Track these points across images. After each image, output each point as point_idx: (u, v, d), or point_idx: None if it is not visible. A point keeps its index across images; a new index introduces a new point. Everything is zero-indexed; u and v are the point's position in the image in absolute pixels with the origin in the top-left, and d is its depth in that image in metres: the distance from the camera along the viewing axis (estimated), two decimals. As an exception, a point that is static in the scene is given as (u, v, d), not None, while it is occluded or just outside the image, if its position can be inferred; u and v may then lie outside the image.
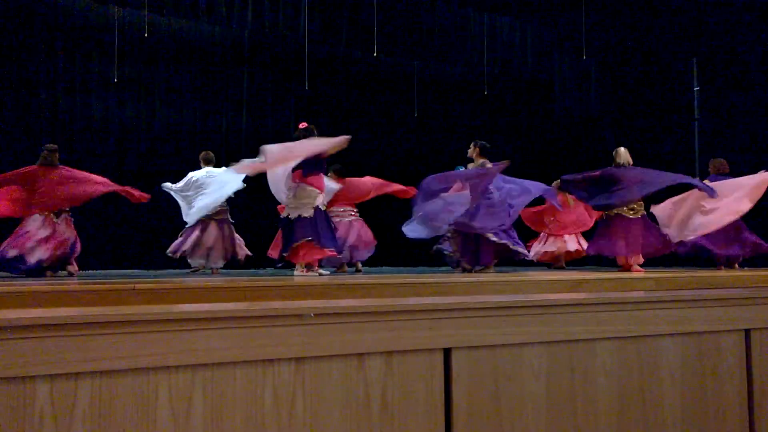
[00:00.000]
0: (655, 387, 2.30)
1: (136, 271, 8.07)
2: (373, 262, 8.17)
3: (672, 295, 2.54)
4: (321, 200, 5.86)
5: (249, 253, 7.06)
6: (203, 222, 6.85)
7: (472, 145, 6.96)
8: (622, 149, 7.04)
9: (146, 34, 8.98)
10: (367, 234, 7.38)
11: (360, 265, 7.41)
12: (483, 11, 11.42)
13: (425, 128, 11.28)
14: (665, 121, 10.99)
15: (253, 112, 10.30)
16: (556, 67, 12.29)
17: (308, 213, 5.68)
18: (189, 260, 6.95)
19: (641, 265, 6.75)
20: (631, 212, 6.79)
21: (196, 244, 6.82)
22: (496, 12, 11.53)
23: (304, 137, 5.80)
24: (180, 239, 6.89)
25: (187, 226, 6.91)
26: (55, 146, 6.27)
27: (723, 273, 6.46)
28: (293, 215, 5.72)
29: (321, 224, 5.75)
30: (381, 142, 10.88)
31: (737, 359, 2.46)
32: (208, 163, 7.06)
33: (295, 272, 5.69)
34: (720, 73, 10.45)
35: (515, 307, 2.10)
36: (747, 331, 2.49)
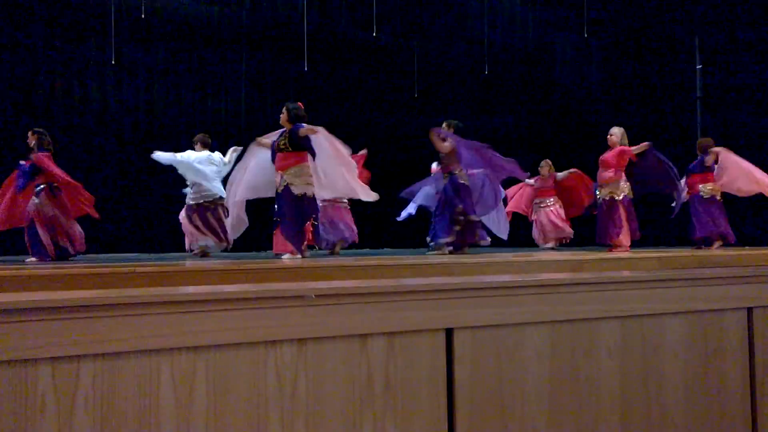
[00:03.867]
0: (657, 365, 2.30)
1: (136, 255, 8.08)
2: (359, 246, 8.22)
3: (675, 274, 2.54)
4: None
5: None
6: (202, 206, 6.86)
7: (445, 125, 7.08)
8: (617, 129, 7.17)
9: (143, 15, 8.91)
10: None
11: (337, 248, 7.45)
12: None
13: (425, 108, 11.24)
14: (667, 100, 10.95)
15: (251, 93, 10.26)
16: (557, 45, 12.21)
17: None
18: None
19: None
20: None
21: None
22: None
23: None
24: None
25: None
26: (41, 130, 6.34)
27: (725, 252, 6.48)
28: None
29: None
30: (381, 122, 10.84)
31: (739, 337, 2.46)
32: (204, 146, 6.99)
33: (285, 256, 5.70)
34: (722, 51, 10.38)
35: (518, 287, 2.10)
36: (749, 310, 2.49)
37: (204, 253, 6.91)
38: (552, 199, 8.81)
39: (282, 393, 1.75)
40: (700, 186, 7.58)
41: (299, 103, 6.05)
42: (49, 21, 9.00)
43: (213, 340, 1.67)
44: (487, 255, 6.05)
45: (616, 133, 7.10)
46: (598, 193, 7.24)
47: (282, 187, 5.76)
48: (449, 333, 1.98)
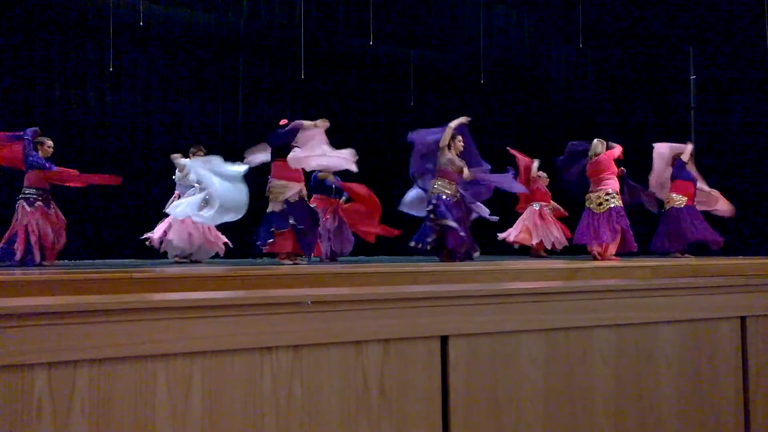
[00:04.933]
0: (651, 374, 2.31)
1: (131, 261, 8.06)
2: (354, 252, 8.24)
3: (669, 282, 2.55)
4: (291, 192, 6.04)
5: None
6: None
7: None
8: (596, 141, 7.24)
9: (141, 23, 8.92)
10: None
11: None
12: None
13: (421, 117, 11.25)
14: (661, 109, 10.99)
15: (248, 101, 10.27)
16: (552, 55, 12.26)
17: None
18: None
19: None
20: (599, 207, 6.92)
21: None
22: (491, 0, 11.50)
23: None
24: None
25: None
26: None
27: (719, 261, 6.50)
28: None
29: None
30: (377, 131, 10.85)
31: (733, 346, 2.47)
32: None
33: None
34: (716, 61, 10.44)
35: (513, 294, 2.11)
36: (743, 319, 2.50)
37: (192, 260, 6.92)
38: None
39: (277, 399, 1.75)
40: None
41: (283, 121, 6.22)
42: (48, 27, 9.00)
43: (209, 346, 1.67)
44: (482, 263, 6.06)
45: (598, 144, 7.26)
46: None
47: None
48: (444, 340, 1.98)
